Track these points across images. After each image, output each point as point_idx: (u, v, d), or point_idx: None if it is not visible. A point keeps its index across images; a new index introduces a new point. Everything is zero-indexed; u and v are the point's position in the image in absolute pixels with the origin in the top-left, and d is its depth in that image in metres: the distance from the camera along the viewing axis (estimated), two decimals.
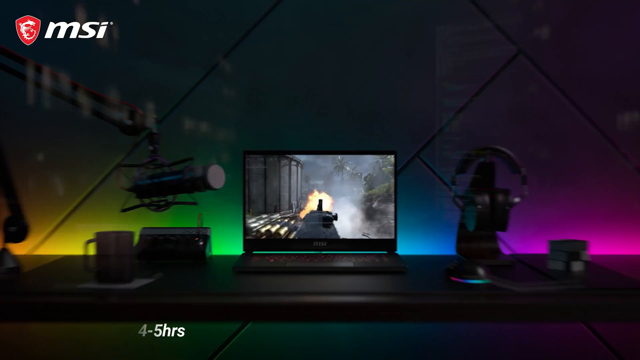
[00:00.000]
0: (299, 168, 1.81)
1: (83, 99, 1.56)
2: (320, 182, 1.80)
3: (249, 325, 1.91)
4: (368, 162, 1.80)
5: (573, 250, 1.56)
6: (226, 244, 1.90)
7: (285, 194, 1.81)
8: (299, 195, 1.81)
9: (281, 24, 1.92)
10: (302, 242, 1.79)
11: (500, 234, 1.80)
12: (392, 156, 1.80)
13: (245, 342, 1.92)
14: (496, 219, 1.64)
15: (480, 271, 1.45)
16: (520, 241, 1.91)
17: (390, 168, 1.79)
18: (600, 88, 1.92)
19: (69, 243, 1.92)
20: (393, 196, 1.79)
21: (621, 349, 1.91)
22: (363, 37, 1.93)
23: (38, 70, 1.56)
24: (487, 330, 1.93)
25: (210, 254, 1.80)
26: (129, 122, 1.55)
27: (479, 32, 1.91)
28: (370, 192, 1.81)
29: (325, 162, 1.81)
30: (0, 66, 1.56)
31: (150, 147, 1.57)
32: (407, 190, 1.90)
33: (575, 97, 1.92)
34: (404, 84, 1.93)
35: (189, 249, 1.74)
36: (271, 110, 1.93)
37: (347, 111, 1.93)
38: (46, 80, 1.57)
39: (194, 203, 1.57)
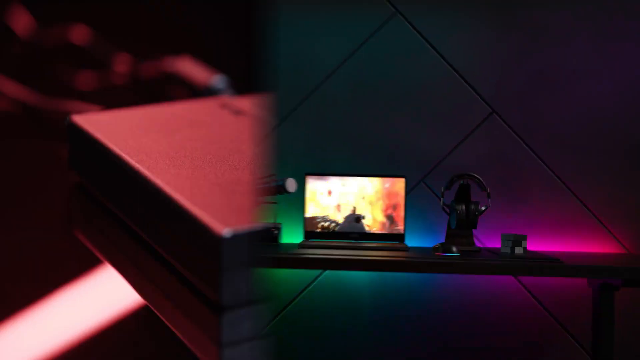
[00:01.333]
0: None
1: None
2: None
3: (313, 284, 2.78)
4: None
5: (516, 239, 2.40)
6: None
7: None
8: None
9: (332, 88, 2.83)
10: (343, 234, 2.67)
11: (473, 231, 2.66)
12: (403, 180, 2.69)
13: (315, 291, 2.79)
14: (469, 221, 2.51)
15: (454, 248, 2.32)
16: (488, 239, 2.77)
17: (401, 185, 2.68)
18: (552, 139, 2.78)
19: None
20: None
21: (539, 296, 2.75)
22: (386, 97, 2.79)
23: None
24: (458, 281, 2.79)
25: (281, 241, 2.68)
26: None
27: (463, 96, 2.81)
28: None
29: (355, 181, 2.70)
30: None
31: None
32: (414, 206, 2.77)
33: (533, 145, 2.76)
34: (414, 131, 2.82)
35: (266, 236, 2.62)
36: (323, 146, 2.84)
37: (372, 147, 2.82)
38: None
39: (275, 202, 2.47)
